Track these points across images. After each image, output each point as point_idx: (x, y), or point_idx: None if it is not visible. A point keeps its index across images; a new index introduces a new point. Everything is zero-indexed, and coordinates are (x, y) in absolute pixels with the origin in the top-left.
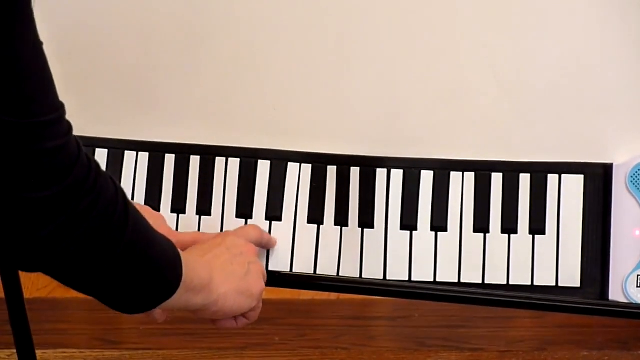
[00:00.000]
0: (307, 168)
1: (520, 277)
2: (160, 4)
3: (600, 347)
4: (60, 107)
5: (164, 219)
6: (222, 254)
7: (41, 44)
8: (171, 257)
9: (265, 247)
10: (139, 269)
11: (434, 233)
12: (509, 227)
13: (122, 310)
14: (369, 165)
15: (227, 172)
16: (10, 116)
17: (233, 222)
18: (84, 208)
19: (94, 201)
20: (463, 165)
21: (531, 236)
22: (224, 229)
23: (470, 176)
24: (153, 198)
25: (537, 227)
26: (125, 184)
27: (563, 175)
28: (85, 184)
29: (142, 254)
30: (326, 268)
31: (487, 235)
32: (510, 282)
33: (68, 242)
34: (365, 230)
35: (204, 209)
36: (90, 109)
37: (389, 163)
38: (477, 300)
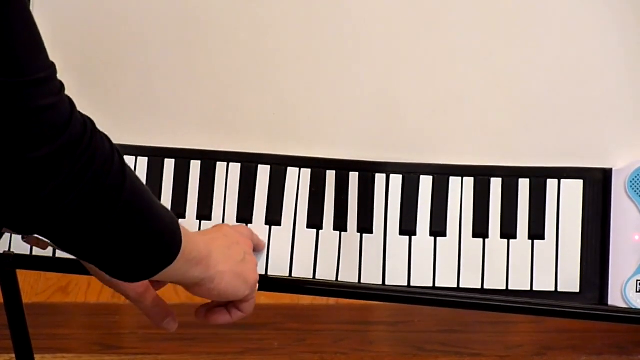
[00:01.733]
0: (306, 173)
1: (519, 282)
2: (161, 9)
3: (599, 352)
4: (50, 66)
5: None
6: (220, 238)
7: (27, 4)
8: (170, 223)
9: (255, 248)
10: (138, 232)
11: (433, 238)
12: (508, 232)
13: (122, 278)
14: (368, 170)
15: (228, 176)
16: (0, 76)
17: None
18: (81, 166)
19: (90, 159)
20: (462, 170)
21: (530, 241)
22: None
23: (469, 181)
24: None
25: (537, 232)
26: None
27: (562, 180)
28: (81, 141)
29: (140, 215)
30: (325, 273)
31: (486, 240)
32: (510, 287)
33: (68, 201)
34: (365, 235)
35: (204, 213)
36: (88, 112)
37: (388, 168)
38: (476, 305)
